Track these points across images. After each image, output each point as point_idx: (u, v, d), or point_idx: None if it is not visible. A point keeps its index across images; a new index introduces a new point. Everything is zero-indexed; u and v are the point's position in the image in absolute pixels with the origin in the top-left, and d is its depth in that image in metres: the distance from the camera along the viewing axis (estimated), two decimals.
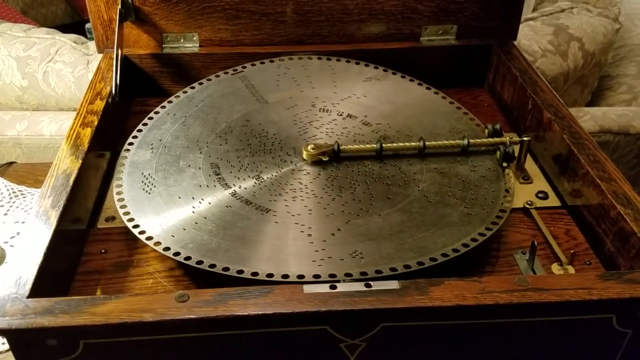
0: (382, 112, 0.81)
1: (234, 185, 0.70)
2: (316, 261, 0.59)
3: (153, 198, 0.67)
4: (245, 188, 0.69)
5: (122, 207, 0.66)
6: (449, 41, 0.94)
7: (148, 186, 0.69)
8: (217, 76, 0.87)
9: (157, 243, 0.61)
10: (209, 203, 0.67)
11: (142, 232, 0.62)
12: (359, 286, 0.52)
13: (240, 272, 0.57)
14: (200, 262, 0.58)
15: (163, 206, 0.66)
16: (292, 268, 0.58)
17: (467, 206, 0.66)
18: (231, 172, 0.72)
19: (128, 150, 0.74)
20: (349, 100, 0.83)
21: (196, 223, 0.64)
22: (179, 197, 0.68)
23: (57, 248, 0.58)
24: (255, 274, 0.57)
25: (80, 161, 0.67)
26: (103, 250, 0.65)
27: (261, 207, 0.66)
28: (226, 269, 0.58)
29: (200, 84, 0.86)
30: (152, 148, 0.75)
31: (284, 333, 0.52)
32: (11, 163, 1.01)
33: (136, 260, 0.64)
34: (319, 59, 0.90)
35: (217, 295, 0.51)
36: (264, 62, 0.90)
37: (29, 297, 0.51)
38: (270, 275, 0.57)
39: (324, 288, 0.52)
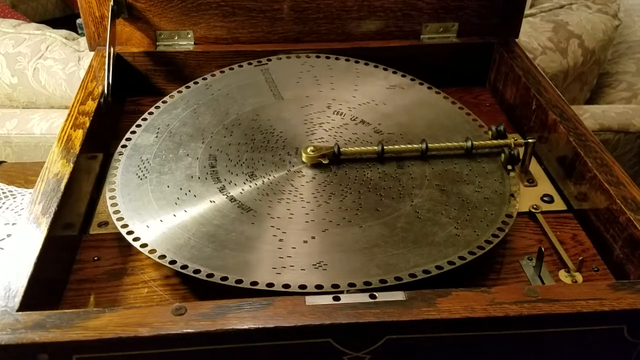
0: (398, 122, 0.78)
1: (225, 180, 0.68)
2: (276, 268, 0.57)
3: (143, 184, 0.67)
4: (235, 184, 0.68)
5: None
6: (450, 39, 0.92)
7: (142, 171, 0.68)
8: (240, 66, 0.86)
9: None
10: (194, 196, 0.66)
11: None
12: (364, 297, 0.51)
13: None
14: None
15: (149, 194, 0.65)
16: (250, 273, 0.56)
17: (457, 227, 0.63)
18: (227, 165, 0.70)
19: (134, 132, 0.74)
20: (367, 106, 0.80)
21: (174, 215, 0.63)
22: (167, 187, 0.67)
23: (48, 256, 0.56)
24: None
25: (71, 165, 0.65)
26: (96, 258, 0.63)
27: (243, 206, 0.65)
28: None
29: (222, 72, 0.85)
30: (157, 132, 0.74)
31: (286, 346, 0.50)
32: (1, 162, 0.99)
33: (130, 267, 0.62)
34: (347, 60, 0.88)
35: (216, 308, 0.49)
36: (290, 57, 0.88)
37: (19, 310, 0.49)
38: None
39: (327, 300, 0.50)
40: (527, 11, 1.42)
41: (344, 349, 0.50)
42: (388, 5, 0.90)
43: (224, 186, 0.67)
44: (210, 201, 0.65)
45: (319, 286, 0.55)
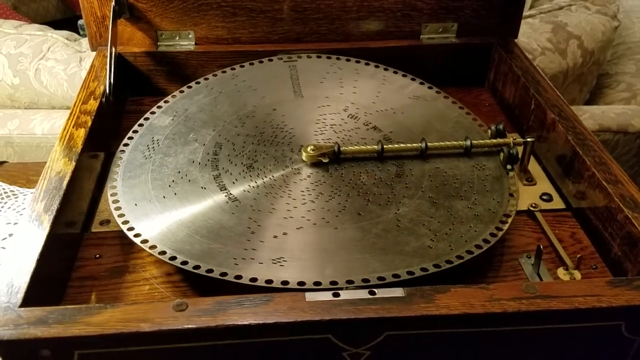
0: (411, 131, 0.77)
1: (223, 168, 0.70)
2: (236, 259, 0.58)
3: (145, 164, 0.69)
4: (231, 174, 0.69)
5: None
6: (449, 39, 0.93)
7: (149, 151, 0.71)
8: (270, 60, 0.88)
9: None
10: (189, 180, 0.67)
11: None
12: (363, 294, 0.51)
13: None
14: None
15: (148, 174, 0.68)
16: (209, 260, 0.57)
17: (433, 239, 0.61)
18: (229, 155, 0.71)
19: (154, 112, 0.77)
20: (383, 113, 0.80)
21: (164, 197, 0.65)
22: (167, 168, 0.69)
23: (50, 254, 0.56)
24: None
25: (73, 163, 0.65)
26: (98, 255, 0.64)
27: (231, 196, 0.66)
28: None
29: (251, 64, 0.87)
30: (174, 115, 0.77)
31: (286, 342, 0.51)
32: (2, 162, 0.99)
33: (132, 265, 0.63)
34: (376, 67, 0.87)
35: (216, 304, 0.49)
36: (320, 57, 0.89)
37: (21, 306, 0.50)
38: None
39: (327, 296, 0.51)
40: (526, 12, 1.43)
41: (343, 344, 0.51)
42: (388, 5, 0.90)
43: (219, 174, 0.68)
44: (202, 187, 0.67)
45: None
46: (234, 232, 0.61)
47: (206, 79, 0.84)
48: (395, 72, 0.87)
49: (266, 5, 0.89)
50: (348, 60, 0.89)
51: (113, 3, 0.85)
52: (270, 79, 0.84)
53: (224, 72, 0.85)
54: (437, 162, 0.72)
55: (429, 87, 0.85)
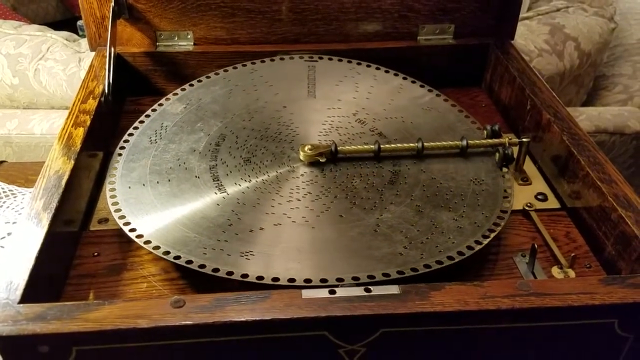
0: (416, 140, 0.75)
1: (220, 159, 0.71)
2: (206, 248, 0.59)
3: (149, 148, 0.72)
4: (227, 165, 0.70)
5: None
6: (446, 40, 0.94)
7: (156, 136, 0.73)
8: (292, 58, 0.88)
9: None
10: (185, 169, 0.69)
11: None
12: (359, 291, 0.51)
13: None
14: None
15: (150, 158, 0.70)
16: (181, 248, 0.58)
17: (406, 247, 0.60)
18: (230, 147, 0.73)
19: (169, 99, 0.79)
20: (392, 121, 0.79)
21: (157, 182, 0.67)
22: (169, 154, 0.71)
23: (49, 251, 0.57)
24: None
25: (72, 162, 0.66)
26: (96, 253, 0.64)
27: (221, 187, 0.67)
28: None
29: (272, 60, 0.88)
30: (187, 104, 0.78)
31: (282, 338, 0.51)
32: (1, 162, 1.00)
33: (130, 263, 0.63)
34: (395, 75, 0.86)
35: (214, 301, 0.50)
36: (341, 60, 0.89)
37: (20, 302, 0.50)
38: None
39: (323, 293, 0.51)
40: (524, 14, 1.43)
41: (339, 341, 0.51)
42: (385, 7, 0.91)
43: (216, 165, 0.70)
44: (195, 176, 0.68)
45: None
46: (212, 223, 0.62)
47: (225, 70, 0.85)
48: (413, 82, 0.86)
49: (265, 6, 0.90)
50: (369, 66, 0.88)
51: (112, 3, 0.85)
52: (287, 76, 0.85)
53: (244, 65, 0.86)
54: (435, 172, 0.71)
55: (445, 100, 0.83)
